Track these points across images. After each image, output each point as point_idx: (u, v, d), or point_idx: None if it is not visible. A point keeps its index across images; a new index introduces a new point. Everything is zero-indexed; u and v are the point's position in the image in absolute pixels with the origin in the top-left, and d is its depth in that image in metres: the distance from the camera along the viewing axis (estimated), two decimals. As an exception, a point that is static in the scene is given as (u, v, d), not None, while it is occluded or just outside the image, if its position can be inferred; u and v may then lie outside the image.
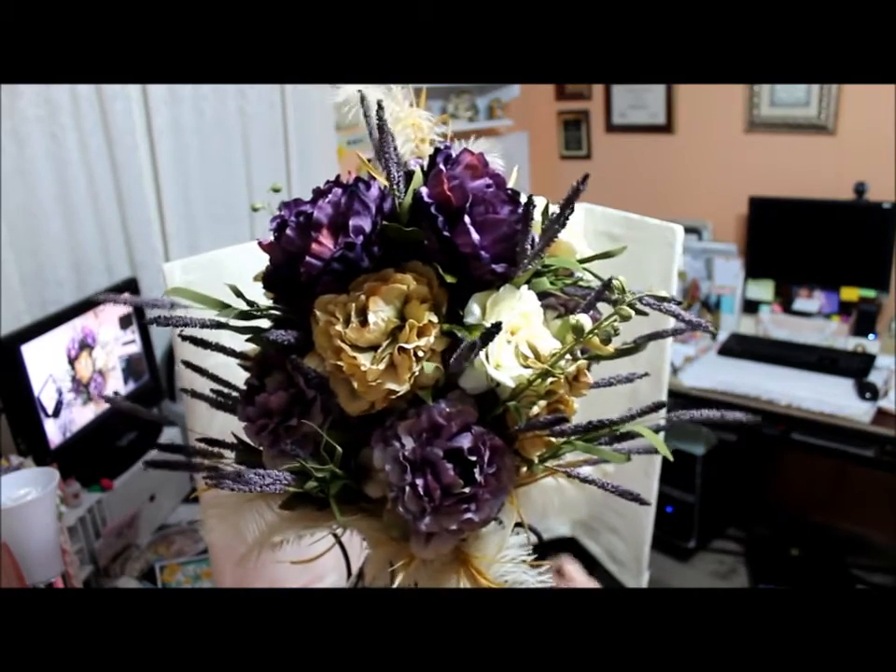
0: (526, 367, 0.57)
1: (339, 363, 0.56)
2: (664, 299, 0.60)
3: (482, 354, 0.56)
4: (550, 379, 0.57)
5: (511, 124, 2.99)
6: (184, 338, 0.66)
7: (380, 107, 0.61)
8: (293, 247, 0.58)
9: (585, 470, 0.66)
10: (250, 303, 0.64)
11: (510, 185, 0.62)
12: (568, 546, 1.31)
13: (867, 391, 2.16)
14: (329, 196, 0.58)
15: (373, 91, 0.71)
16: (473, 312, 0.59)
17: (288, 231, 0.58)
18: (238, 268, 0.70)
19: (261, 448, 0.62)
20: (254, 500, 0.65)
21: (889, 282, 2.38)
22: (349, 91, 0.71)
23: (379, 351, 0.56)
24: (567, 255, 0.67)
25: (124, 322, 1.75)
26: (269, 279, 0.62)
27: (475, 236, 0.56)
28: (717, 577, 2.60)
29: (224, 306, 0.63)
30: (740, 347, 2.53)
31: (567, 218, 0.58)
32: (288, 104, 2.19)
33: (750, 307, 2.66)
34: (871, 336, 2.43)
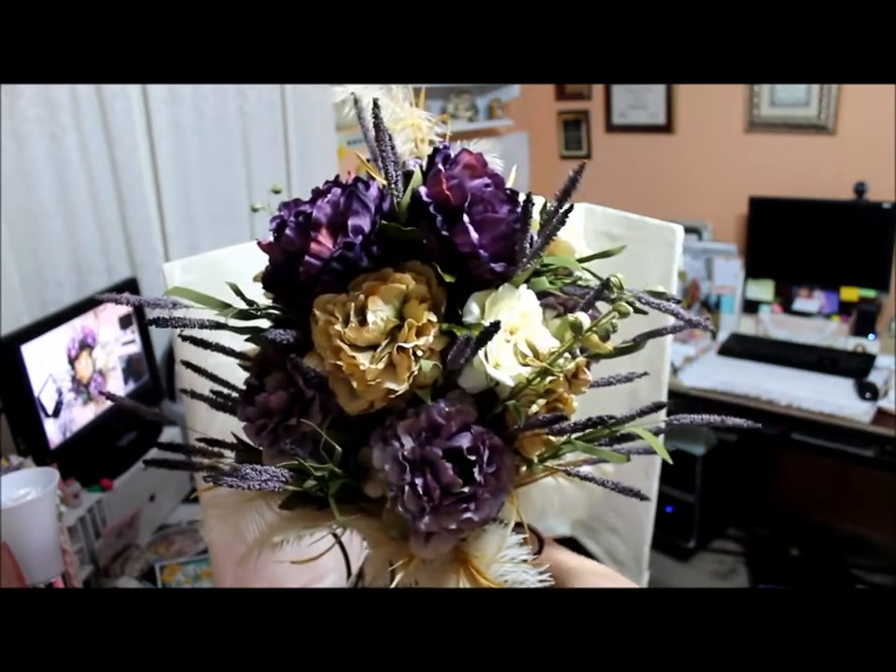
0: (525, 365, 0.57)
1: (338, 363, 0.56)
2: (662, 296, 0.60)
3: (480, 353, 0.56)
4: (549, 378, 0.57)
5: (510, 124, 2.99)
6: (184, 338, 0.66)
7: (376, 106, 0.61)
8: (292, 247, 0.58)
9: (585, 470, 0.66)
10: (249, 303, 0.64)
11: (508, 185, 0.62)
12: (568, 546, 1.31)
13: (867, 391, 2.16)
14: (329, 196, 0.58)
15: (372, 91, 0.71)
16: (472, 311, 0.59)
17: (288, 231, 0.58)
18: (238, 268, 0.70)
19: (261, 448, 0.63)
20: (254, 500, 0.65)
21: (889, 282, 2.38)
22: (348, 90, 0.71)
23: (378, 350, 0.56)
24: (566, 254, 0.67)
25: (124, 322, 1.75)
26: (268, 279, 0.62)
27: (474, 235, 0.56)
28: (717, 577, 2.60)
29: (224, 306, 0.63)
30: (740, 347, 2.53)
31: (567, 215, 0.58)
32: (288, 104, 2.19)
33: (750, 307, 2.66)
34: (871, 336, 2.43)
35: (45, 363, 1.49)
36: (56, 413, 1.52)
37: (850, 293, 2.47)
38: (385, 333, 0.57)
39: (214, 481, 0.56)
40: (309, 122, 2.28)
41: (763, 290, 2.63)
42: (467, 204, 0.57)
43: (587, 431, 0.61)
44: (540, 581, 0.59)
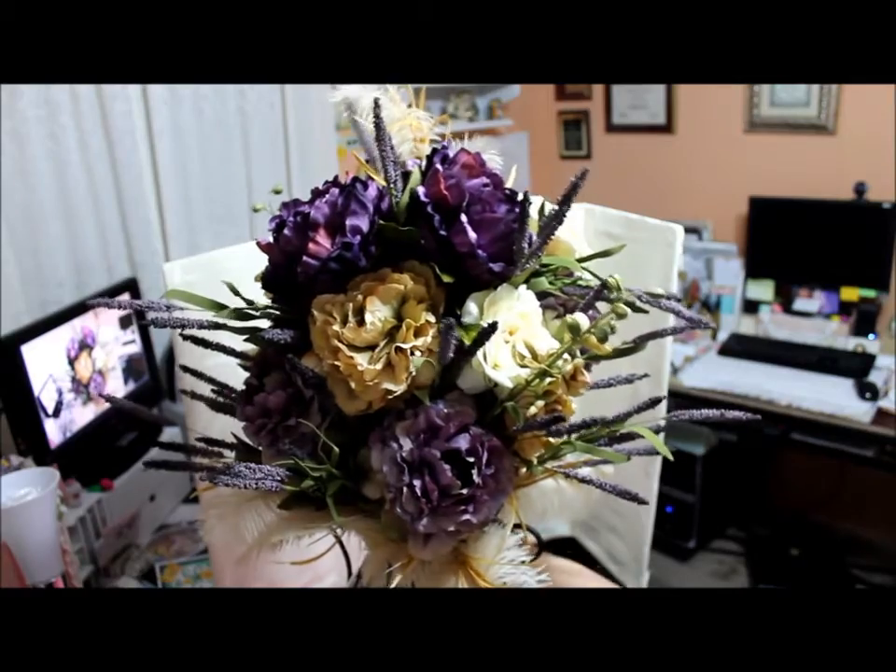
0: (524, 367, 0.57)
1: (336, 363, 0.56)
2: (661, 296, 0.60)
3: (479, 354, 0.56)
4: (548, 379, 0.57)
5: (510, 124, 2.99)
6: (185, 337, 0.66)
7: (377, 106, 0.61)
8: (290, 247, 0.58)
9: (584, 471, 0.66)
10: (248, 303, 0.64)
11: (508, 184, 0.62)
12: (568, 546, 1.31)
13: (867, 391, 2.16)
14: (327, 196, 0.58)
15: (370, 92, 0.70)
16: (471, 311, 0.58)
17: (286, 231, 0.58)
18: (238, 268, 0.70)
19: (260, 448, 0.63)
20: (253, 500, 0.65)
21: (889, 282, 2.38)
22: (347, 91, 0.71)
23: (376, 351, 0.56)
24: (567, 254, 0.67)
25: (124, 322, 1.75)
26: (267, 279, 0.62)
27: (472, 235, 0.56)
28: (717, 577, 2.60)
29: (219, 307, 0.63)
30: (740, 347, 2.53)
31: (565, 215, 0.58)
32: (288, 104, 2.19)
33: (750, 307, 2.66)
34: (871, 336, 2.43)
35: (45, 363, 1.49)
36: (56, 413, 1.52)
37: (850, 293, 2.46)
38: (383, 334, 0.56)
39: (210, 479, 0.56)
40: (309, 122, 2.28)
41: (763, 290, 2.63)
42: (465, 204, 0.57)
43: (585, 431, 0.61)
44: (539, 582, 0.59)
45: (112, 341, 1.71)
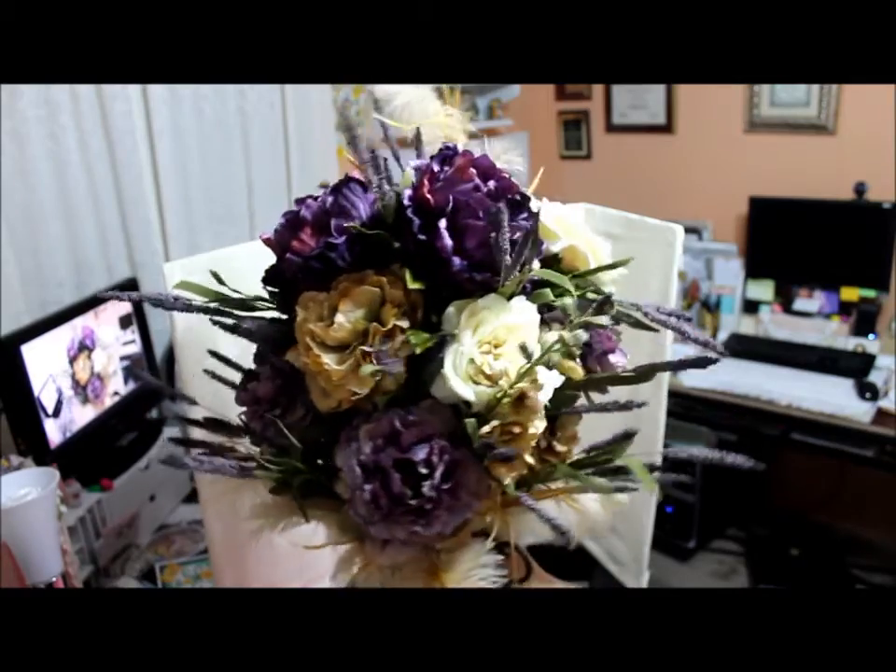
0: (476, 383, 0.55)
1: (307, 360, 0.57)
2: (670, 314, 0.60)
3: (449, 364, 0.55)
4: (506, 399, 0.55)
5: (511, 124, 2.99)
6: (214, 322, 0.66)
7: (346, 108, 0.61)
8: (282, 243, 0.59)
9: (590, 498, 0.65)
10: (249, 298, 0.65)
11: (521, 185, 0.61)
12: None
13: (867, 391, 2.16)
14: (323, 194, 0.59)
15: (412, 90, 0.70)
16: (450, 319, 0.57)
17: (278, 227, 0.60)
18: (238, 268, 0.70)
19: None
20: (250, 482, 0.65)
21: (889, 282, 2.38)
22: (382, 89, 0.70)
23: (346, 352, 0.56)
24: (582, 262, 0.66)
25: (124, 322, 1.75)
26: (267, 274, 0.63)
27: (447, 242, 0.55)
28: (717, 577, 2.60)
29: (225, 299, 0.64)
30: (740, 347, 2.53)
31: (529, 249, 0.57)
32: (288, 104, 2.19)
33: (750, 307, 2.66)
34: (871, 336, 2.43)
35: (45, 363, 1.49)
36: (56, 413, 1.52)
37: (850, 293, 2.46)
38: (355, 335, 0.56)
39: (168, 462, 0.57)
40: (309, 122, 2.28)
41: (763, 290, 2.63)
42: (450, 209, 0.56)
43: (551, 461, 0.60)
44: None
45: (112, 341, 1.70)
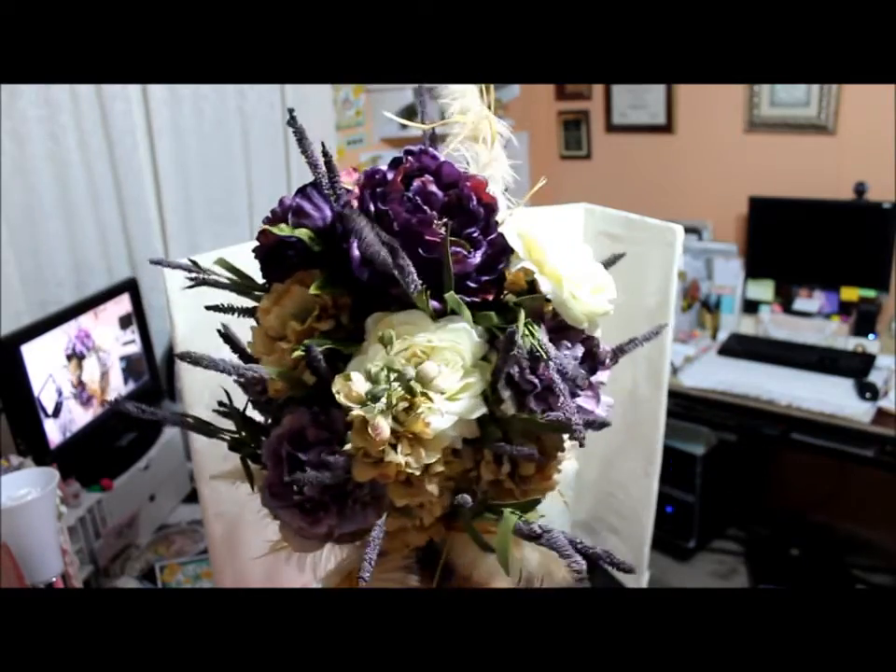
0: (344, 399, 0.54)
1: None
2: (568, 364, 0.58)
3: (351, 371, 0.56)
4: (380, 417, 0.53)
5: (511, 124, 2.99)
6: (229, 310, 0.69)
7: (292, 116, 0.62)
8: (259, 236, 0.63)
9: (569, 467, 0.65)
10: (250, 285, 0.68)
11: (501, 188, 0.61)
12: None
13: (867, 391, 2.16)
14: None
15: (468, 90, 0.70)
16: (368, 329, 0.59)
17: (263, 220, 0.63)
18: (238, 267, 0.71)
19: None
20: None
21: (889, 282, 2.38)
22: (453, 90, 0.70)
23: (279, 343, 0.60)
24: (556, 281, 0.59)
25: (124, 322, 1.75)
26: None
27: (355, 253, 0.56)
28: (717, 577, 2.60)
29: (247, 278, 0.67)
30: (740, 347, 2.53)
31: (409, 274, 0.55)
32: (288, 104, 2.19)
33: (750, 307, 2.66)
34: (871, 336, 2.43)
35: (45, 363, 1.49)
36: (56, 413, 1.52)
37: (850, 293, 2.46)
38: (287, 330, 0.59)
39: (125, 409, 0.61)
40: (309, 122, 2.27)
41: (763, 290, 2.63)
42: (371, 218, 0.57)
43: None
44: None
45: (112, 340, 1.70)
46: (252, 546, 0.77)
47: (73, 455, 1.54)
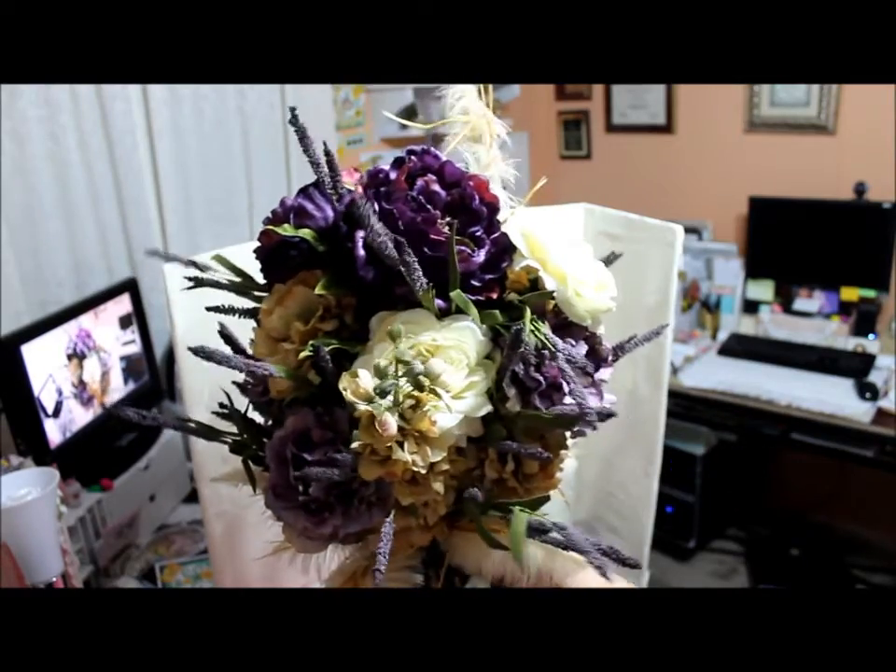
0: (351, 396, 0.54)
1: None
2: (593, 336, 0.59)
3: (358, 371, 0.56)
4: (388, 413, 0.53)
5: (511, 124, 2.99)
6: (228, 311, 0.69)
7: (294, 115, 0.62)
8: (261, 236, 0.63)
9: (569, 465, 0.65)
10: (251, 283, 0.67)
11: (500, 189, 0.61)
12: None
13: (867, 391, 2.16)
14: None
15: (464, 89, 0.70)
16: (373, 329, 0.58)
17: (264, 220, 0.62)
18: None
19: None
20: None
21: (889, 282, 2.38)
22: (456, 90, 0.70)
23: (282, 344, 0.59)
24: (560, 278, 0.59)
25: (124, 322, 1.75)
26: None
27: (360, 252, 0.56)
28: (717, 577, 2.60)
29: (246, 276, 0.66)
30: (740, 347, 2.53)
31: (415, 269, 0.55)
32: (288, 104, 2.19)
33: (750, 307, 2.66)
34: (871, 336, 2.43)
35: (45, 363, 1.49)
36: (56, 413, 1.52)
37: (850, 293, 2.46)
38: (291, 331, 0.59)
39: (116, 411, 0.61)
40: (309, 122, 2.27)
41: (763, 290, 2.63)
42: (375, 219, 0.57)
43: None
44: None
45: (112, 341, 1.70)
46: (252, 546, 0.77)
47: (73, 455, 1.54)
